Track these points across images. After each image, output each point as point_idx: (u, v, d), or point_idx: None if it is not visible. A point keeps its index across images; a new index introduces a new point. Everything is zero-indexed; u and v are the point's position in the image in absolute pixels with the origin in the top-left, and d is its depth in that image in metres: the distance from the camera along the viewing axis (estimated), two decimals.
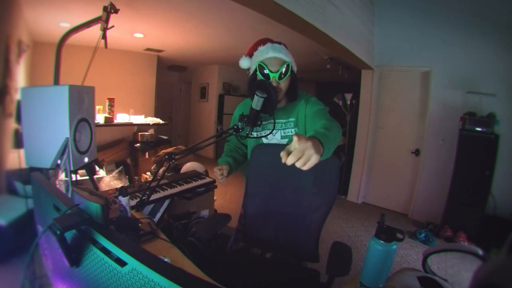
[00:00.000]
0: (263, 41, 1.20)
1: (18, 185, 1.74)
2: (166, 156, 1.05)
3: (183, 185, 1.80)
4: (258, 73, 1.17)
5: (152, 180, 1.41)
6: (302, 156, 0.65)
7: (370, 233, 3.00)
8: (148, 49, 4.84)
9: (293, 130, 1.25)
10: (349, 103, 4.52)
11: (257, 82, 1.15)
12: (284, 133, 1.26)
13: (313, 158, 0.66)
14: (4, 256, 1.38)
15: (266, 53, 1.15)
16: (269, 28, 3.24)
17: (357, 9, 3.05)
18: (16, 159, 1.66)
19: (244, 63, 1.25)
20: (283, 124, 1.25)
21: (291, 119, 1.25)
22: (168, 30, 3.64)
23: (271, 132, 1.23)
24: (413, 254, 2.57)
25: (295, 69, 1.21)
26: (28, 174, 1.40)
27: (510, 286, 0.43)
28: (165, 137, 4.05)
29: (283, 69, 1.14)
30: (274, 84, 1.14)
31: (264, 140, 1.29)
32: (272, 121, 1.20)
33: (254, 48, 1.21)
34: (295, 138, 0.67)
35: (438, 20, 3.22)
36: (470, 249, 0.89)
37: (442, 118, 3.29)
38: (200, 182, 1.92)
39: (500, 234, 1.21)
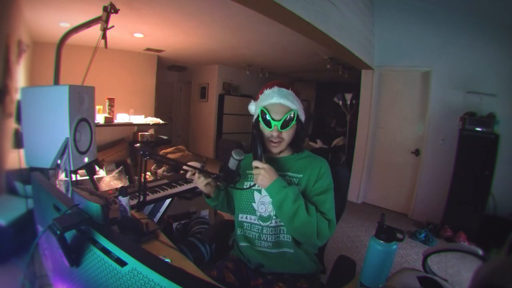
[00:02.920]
0: (270, 85, 1.08)
1: (18, 185, 1.74)
2: (141, 152, 1.02)
3: (183, 185, 1.80)
4: (260, 118, 1.04)
5: (140, 179, 1.34)
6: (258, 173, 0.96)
7: (370, 233, 3.00)
8: (148, 49, 4.85)
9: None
10: (349, 103, 4.53)
11: (255, 133, 1.03)
12: None
13: (259, 181, 0.97)
14: (4, 256, 1.38)
15: (270, 97, 1.02)
16: (269, 28, 3.25)
17: (357, 9, 3.05)
18: (16, 159, 1.66)
19: (252, 108, 1.12)
20: (283, 177, 1.04)
21: (298, 175, 1.05)
22: (168, 30, 3.64)
23: (252, 186, 1.05)
24: (413, 254, 2.57)
25: (302, 117, 1.06)
26: (28, 174, 1.40)
27: (510, 286, 0.43)
28: (165, 137, 4.04)
29: (288, 118, 1.01)
30: (275, 133, 1.01)
31: (256, 196, 1.08)
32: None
33: (261, 91, 1.09)
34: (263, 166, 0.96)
35: (438, 20, 3.23)
36: (470, 249, 0.89)
37: (442, 118, 3.29)
38: None
39: (500, 234, 1.21)
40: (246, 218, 1.09)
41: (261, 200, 1.07)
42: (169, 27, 3.53)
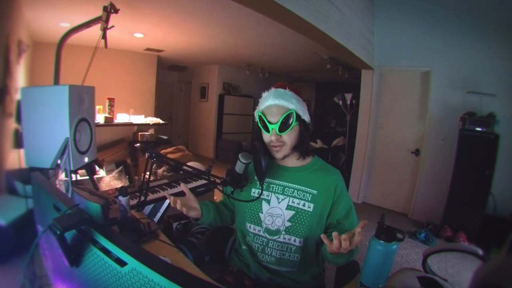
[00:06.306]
0: (273, 86, 1.02)
1: (18, 185, 1.73)
2: (148, 154, 0.98)
3: None
4: (259, 124, 0.98)
5: (143, 180, 1.33)
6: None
7: (370, 233, 2.98)
8: (148, 49, 4.85)
9: (307, 204, 0.98)
10: (349, 103, 4.52)
11: (253, 145, 0.97)
12: (293, 202, 0.99)
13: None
14: (4, 256, 1.38)
15: (266, 100, 0.96)
16: (269, 28, 3.25)
17: (357, 9, 3.05)
18: (16, 159, 1.66)
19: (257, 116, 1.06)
20: (296, 191, 1.00)
21: (312, 191, 0.99)
22: (168, 30, 3.64)
23: (258, 198, 1.00)
24: (413, 254, 2.57)
25: (305, 117, 0.97)
26: (28, 174, 1.40)
27: (510, 286, 0.43)
28: (165, 137, 4.04)
29: (285, 119, 0.92)
30: (274, 137, 0.94)
31: (264, 206, 1.02)
32: (270, 179, 1.03)
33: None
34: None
35: (438, 20, 3.23)
36: (470, 249, 0.89)
37: (442, 118, 3.29)
38: (200, 182, 1.92)
39: (500, 234, 1.21)
40: (250, 227, 1.04)
41: (269, 211, 1.01)
42: (169, 27, 3.53)
